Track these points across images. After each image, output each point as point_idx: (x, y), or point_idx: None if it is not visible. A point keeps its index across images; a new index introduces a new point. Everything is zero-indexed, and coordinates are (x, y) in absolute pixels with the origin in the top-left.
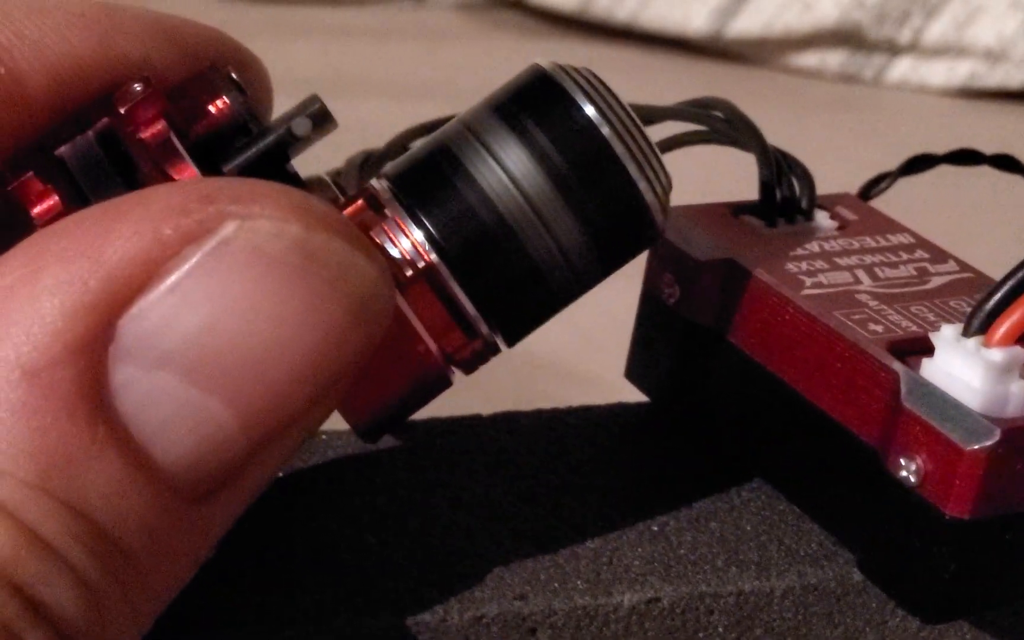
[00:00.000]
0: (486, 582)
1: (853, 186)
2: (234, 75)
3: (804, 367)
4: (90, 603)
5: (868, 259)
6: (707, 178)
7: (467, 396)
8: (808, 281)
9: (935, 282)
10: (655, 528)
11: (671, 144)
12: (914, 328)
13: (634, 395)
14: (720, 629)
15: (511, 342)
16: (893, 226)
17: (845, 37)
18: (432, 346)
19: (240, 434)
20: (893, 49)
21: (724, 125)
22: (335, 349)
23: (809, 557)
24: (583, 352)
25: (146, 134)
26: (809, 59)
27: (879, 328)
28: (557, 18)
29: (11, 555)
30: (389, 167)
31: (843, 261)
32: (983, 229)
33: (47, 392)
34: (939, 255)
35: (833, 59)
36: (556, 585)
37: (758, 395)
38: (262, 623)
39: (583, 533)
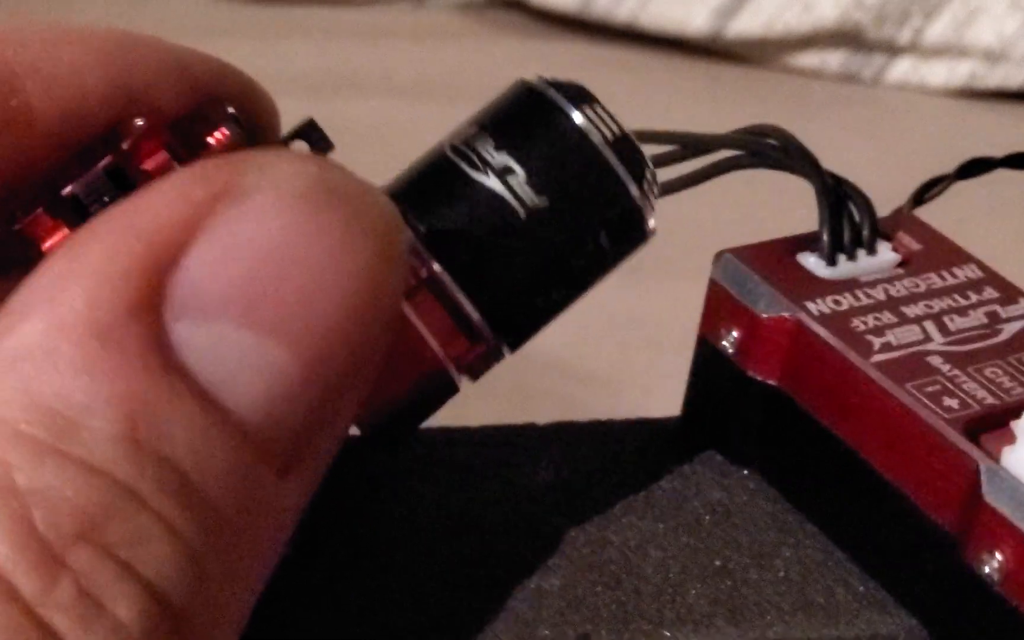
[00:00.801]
0: (542, 615)
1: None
2: (231, 109)
3: (875, 438)
4: (190, 562)
5: (936, 305)
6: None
7: (466, 395)
8: (876, 343)
9: (1008, 330)
10: (718, 563)
11: (722, 168)
12: (990, 400)
13: (645, 397)
14: None
15: (514, 347)
16: (958, 256)
17: (845, 37)
18: (439, 353)
19: (301, 375)
20: (893, 49)
21: (779, 154)
22: (371, 278)
23: (877, 604)
24: (581, 352)
25: (150, 167)
26: (809, 59)
27: (954, 403)
28: (557, 18)
29: (101, 514)
30: (389, 180)
31: (910, 311)
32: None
33: (119, 348)
34: (1009, 293)
35: (833, 59)
36: (619, 625)
37: (825, 459)
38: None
39: (642, 565)
